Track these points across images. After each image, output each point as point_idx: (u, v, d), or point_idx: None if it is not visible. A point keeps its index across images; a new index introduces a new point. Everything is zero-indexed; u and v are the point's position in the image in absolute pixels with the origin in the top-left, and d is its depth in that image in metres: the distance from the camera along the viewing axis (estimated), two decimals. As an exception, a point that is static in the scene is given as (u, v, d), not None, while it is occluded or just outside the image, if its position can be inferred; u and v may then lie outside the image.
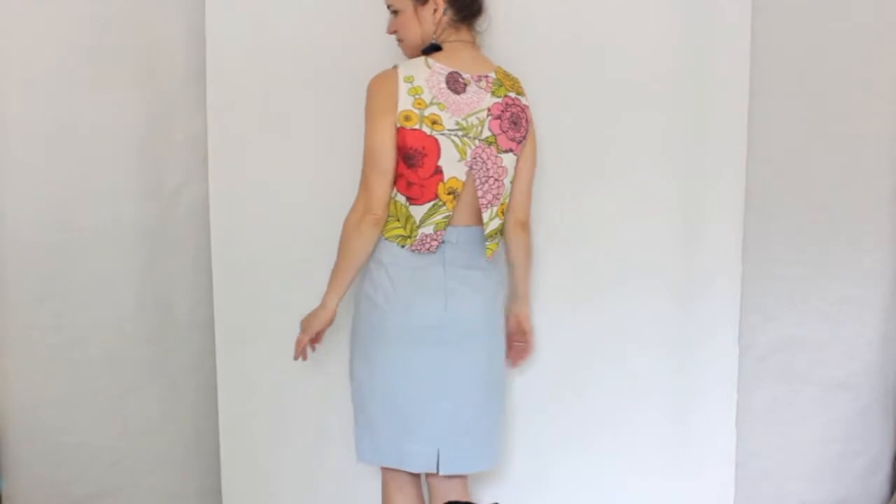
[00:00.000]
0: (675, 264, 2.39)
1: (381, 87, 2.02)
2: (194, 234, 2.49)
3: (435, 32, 2.07)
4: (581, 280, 2.38)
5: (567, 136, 2.33)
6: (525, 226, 2.20)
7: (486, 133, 2.05)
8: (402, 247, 2.04)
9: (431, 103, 2.00)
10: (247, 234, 2.42)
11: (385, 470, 2.16)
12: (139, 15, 2.42)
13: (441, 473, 2.09)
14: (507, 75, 2.13)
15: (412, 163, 2.00)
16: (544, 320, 2.38)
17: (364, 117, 2.02)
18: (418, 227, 2.03)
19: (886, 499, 2.55)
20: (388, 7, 2.12)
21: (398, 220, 2.04)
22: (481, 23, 2.14)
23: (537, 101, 2.28)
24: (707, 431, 2.44)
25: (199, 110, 2.41)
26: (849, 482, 2.52)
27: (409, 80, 2.00)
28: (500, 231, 2.15)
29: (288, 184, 2.40)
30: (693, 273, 2.39)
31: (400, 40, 2.14)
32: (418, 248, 2.04)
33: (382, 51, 2.26)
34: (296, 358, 2.15)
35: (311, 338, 2.14)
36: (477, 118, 2.04)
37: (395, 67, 2.03)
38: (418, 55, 2.08)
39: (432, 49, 2.07)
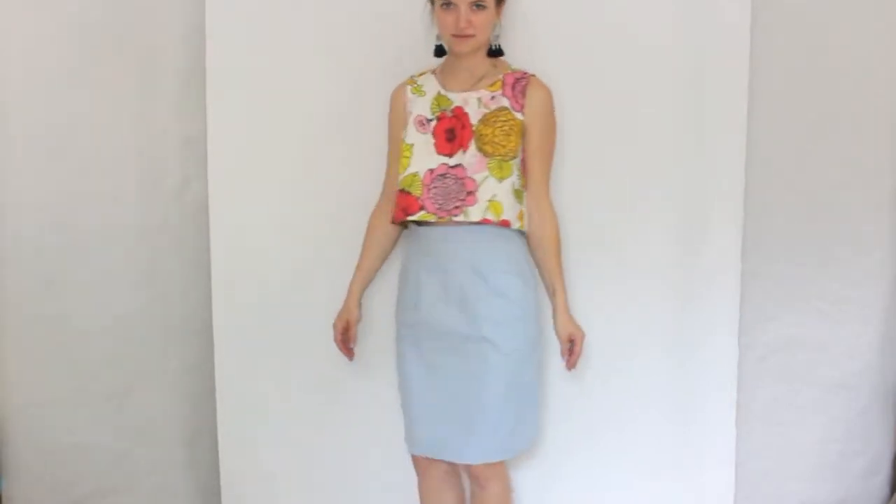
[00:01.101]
0: (675, 264, 2.38)
1: None
2: (194, 234, 2.49)
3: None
4: (580, 280, 2.37)
5: (566, 136, 2.32)
6: None
7: None
8: None
9: None
10: (246, 234, 2.41)
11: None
12: (139, 15, 2.42)
13: None
14: None
15: None
16: (544, 320, 2.37)
17: (552, 128, 2.19)
18: None
19: (886, 499, 2.55)
20: (475, 3, 2.01)
21: None
22: None
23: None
24: (707, 431, 2.44)
25: (198, 110, 2.41)
26: (849, 482, 2.52)
27: None
28: None
29: (287, 184, 2.39)
30: (693, 273, 2.38)
31: (469, 36, 2.04)
32: None
33: (384, 51, 2.26)
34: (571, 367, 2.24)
35: None
36: None
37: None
38: (483, 56, 2.13)
39: (500, 52, 2.18)
